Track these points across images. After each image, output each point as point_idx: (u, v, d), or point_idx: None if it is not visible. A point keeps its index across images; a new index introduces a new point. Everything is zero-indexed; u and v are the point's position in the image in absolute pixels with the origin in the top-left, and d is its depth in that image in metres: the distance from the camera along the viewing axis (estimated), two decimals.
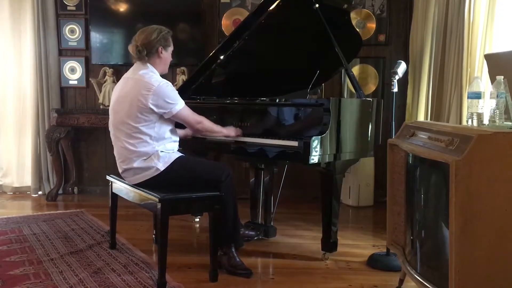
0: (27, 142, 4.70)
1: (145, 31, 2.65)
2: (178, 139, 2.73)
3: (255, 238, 3.20)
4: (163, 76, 2.67)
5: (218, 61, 3.37)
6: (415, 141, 2.11)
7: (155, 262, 2.72)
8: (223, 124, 2.95)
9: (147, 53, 2.61)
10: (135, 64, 2.68)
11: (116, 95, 2.66)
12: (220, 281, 2.52)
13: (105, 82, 4.51)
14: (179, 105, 2.57)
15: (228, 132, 2.86)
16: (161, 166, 2.55)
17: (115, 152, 2.68)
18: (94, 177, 4.81)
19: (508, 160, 1.63)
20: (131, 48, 2.64)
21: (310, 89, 2.98)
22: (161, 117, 2.57)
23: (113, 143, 2.68)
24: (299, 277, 2.62)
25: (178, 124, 2.72)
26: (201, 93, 3.38)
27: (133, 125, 2.53)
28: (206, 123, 2.75)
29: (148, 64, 2.63)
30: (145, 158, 2.56)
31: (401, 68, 2.88)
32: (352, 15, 4.38)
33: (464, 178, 1.62)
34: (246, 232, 3.15)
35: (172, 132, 2.68)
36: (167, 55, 2.70)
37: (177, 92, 2.62)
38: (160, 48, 2.64)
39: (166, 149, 2.61)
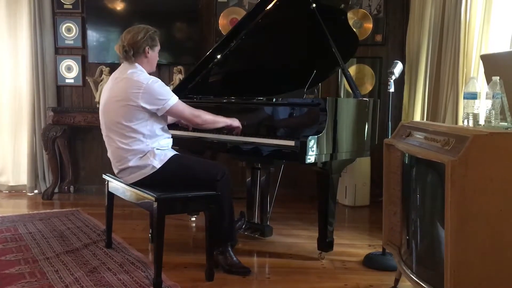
0: (23, 141, 4.68)
1: (131, 31, 2.63)
2: (171, 135, 2.73)
3: (242, 227, 3.21)
4: (152, 74, 2.66)
5: (215, 60, 3.37)
6: (411, 141, 2.12)
7: (151, 261, 2.72)
8: None
9: (134, 53, 2.60)
10: (122, 64, 2.66)
11: (106, 96, 2.64)
12: (216, 280, 2.52)
13: (101, 80, 4.50)
14: (172, 100, 2.55)
15: (232, 121, 2.82)
16: (157, 164, 2.54)
17: (109, 154, 2.67)
18: (90, 176, 4.80)
19: (503, 161, 1.64)
20: (117, 48, 2.64)
21: (306, 89, 2.99)
22: (153, 115, 2.56)
23: (106, 145, 2.67)
24: (295, 277, 2.62)
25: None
26: (198, 92, 3.38)
27: (126, 124, 2.52)
28: (205, 116, 2.71)
29: (136, 64, 2.62)
30: (140, 156, 2.55)
31: (398, 68, 2.89)
32: (349, 15, 4.39)
33: (459, 178, 1.63)
34: None
35: (165, 129, 2.67)
36: (154, 55, 2.68)
37: (168, 87, 2.61)
38: (147, 48, 2.62)
39: (160, 146, 2.60)
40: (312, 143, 2.54)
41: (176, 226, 3.52)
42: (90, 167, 4.81)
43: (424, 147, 1.95)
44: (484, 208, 1.65)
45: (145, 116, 2.53)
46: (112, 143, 2.61)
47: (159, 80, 2.57)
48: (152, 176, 2.56)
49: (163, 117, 2.63)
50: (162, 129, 2.65)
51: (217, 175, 2.57)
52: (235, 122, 2.83)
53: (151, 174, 2.55)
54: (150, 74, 2.65)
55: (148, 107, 2.50)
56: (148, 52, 2.63)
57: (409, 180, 2.18)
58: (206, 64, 3.39)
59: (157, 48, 2.70)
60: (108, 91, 2.64)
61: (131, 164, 2.56)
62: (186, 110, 2.64)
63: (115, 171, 2.67)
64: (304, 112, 2.78)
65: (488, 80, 2.12)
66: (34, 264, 2.69)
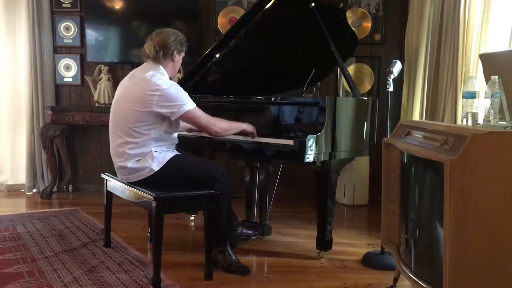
0: (22, 140, 4.67)
1: (162, 33, 2.63)
2: (176, 142, 2.71)
3: (253, 237, 3.17)
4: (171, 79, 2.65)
5: (214, 59, 3.37)
6: (410, 140, 2.12)
7: (149, 261, 2.71)
8: None
9: (163, 54, 2.60)
10: (145, 63, 2.65)
11: (121, 92, 2.64)
12: (215, 279, 2.52)
13: (100, 79, 4.50)
14: (188, 105, 2.52)
15: (246, 126, 2.77)
16: (155, 167, 2.54)
17: (111, 148, 2.66)
18: (89, 175, 4.79)
19: (502, 160, 1.64)
20: (148, 47, 2.60)
21: (305, 88, 2.99)
22: (164, 120, 2.54)
23: (110, 141, 2.66)
24: (294, 276, 2.62)
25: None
26: (197, 92, 3.36)
27: (134, 123, 2.51)
28: (221, 124, 2.67)
29: (160, 66, 2.61)
30: (139, 158, 2.54)
31: (397, 67, 2.89)
32: (348, 14, 4.38)
33: (458, 177, 1.63)
34: (244, 231, 3.12)
35: (172, 137, 2.65)
36: (179, 59, 2.69)
37: (186, 93, 2.57)
38: (175, 52, 2.63)
39: (161, 150, 2.59)
40: (311, 142, 2.54)
41: (175, 225, 3.52)
42: (88, 166, 4.81)
43: (423, 146, 1.95)
44: (482, 207, 1.65)
45: (153, 119, 2.51)
46: (116, 139, 2.60)
47: (178, 86, 2.56)
48: (150, 178, 2.55)
49: (174, 125, 2.61)
50: (170, 136, 2.63)
51: (216, 174, 2.56)
52: (249, 127, 2.77)
53: (149, 176, 2.54)
54: (170, 79, 2.63)
55: (162, 110, 2.48)
56: (175, 56, 2.64)
57: (408, 179, 2.18)
58: (205, 63, 3.39)
59: (183, 54, 2.71)
60: (123, 88, 2.64)
61: (129, 165, 2.55)
62: (203, 117, 2.59)
63: (115, 166, 2.66)
64: (303, 111, 2.78)
65: (487, 79, 2.13)
66: (33, 263, 2.68)
